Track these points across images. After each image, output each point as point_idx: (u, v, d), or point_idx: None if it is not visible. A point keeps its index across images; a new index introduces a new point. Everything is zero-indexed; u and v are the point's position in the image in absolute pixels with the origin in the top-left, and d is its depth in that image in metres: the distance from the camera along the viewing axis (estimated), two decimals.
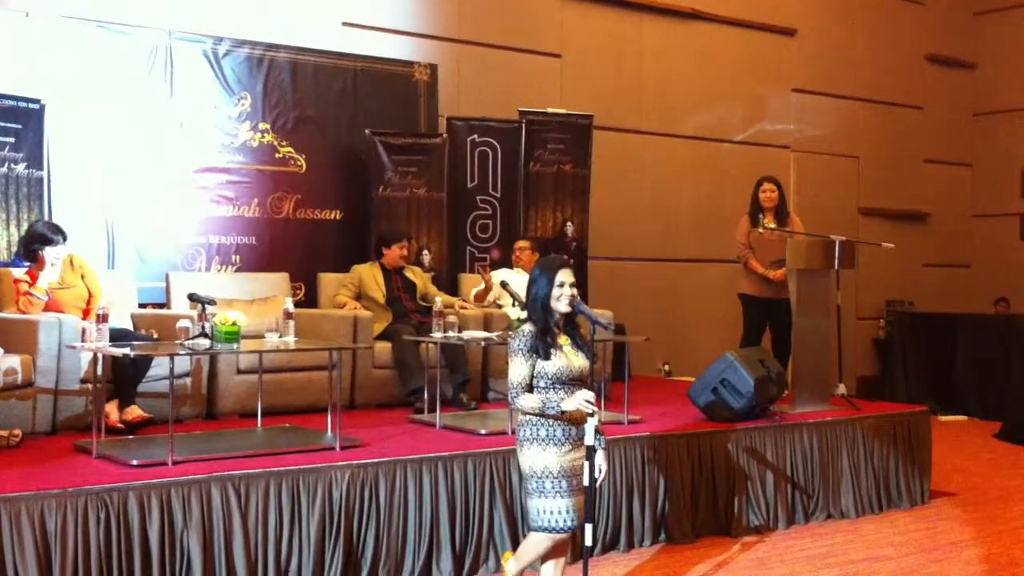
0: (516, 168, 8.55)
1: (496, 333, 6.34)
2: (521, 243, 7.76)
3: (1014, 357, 9.26)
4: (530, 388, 3.83)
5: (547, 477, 3.82)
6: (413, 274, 7.21)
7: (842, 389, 6.81)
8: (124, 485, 4.04)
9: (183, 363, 5.80)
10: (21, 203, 6.50)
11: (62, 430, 5.38)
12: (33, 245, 5.72)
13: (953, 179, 12.74)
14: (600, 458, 3.86)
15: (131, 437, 5.21)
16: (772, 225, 7.32)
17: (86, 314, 5.66)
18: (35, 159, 6.57)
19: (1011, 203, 12.02)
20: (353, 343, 6.50)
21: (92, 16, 6.99)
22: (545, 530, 3.87)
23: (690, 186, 10.38)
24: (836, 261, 6.58)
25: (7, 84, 6.57)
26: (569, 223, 8.76)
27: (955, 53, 12.64)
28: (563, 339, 3.91)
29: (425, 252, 8.02)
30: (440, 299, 6.46)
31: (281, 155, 7.69)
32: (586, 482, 3.79)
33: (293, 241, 7.68)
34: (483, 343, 5.97)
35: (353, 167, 7.98)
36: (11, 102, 6.48)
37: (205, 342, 4.83)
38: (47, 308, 5.64)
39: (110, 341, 4.99)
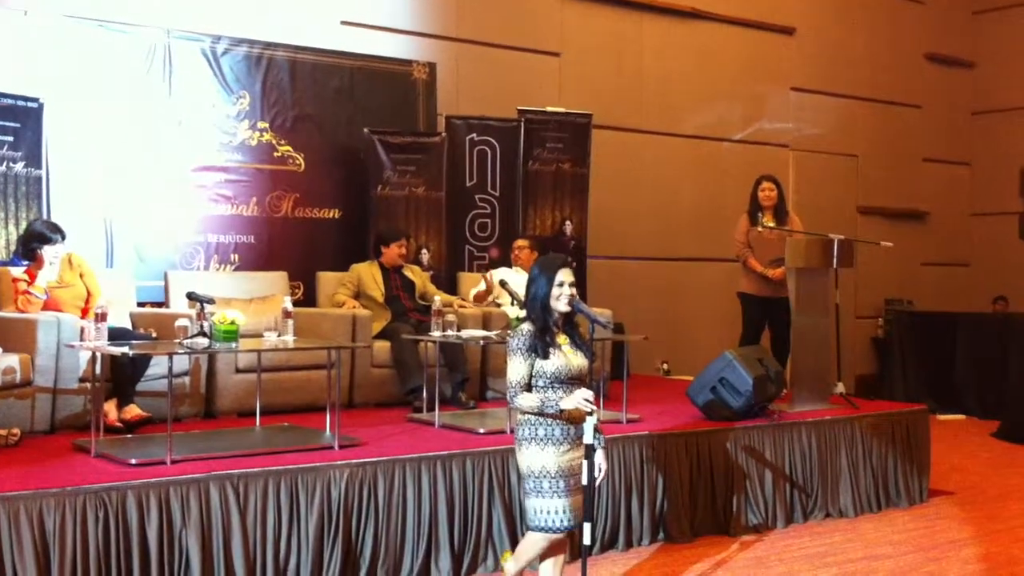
0: (515, 167, 8.54)
1: (495, 332, 6.34)
2: (520, 242, 7.76)
3: (1013, 356, 9.26)
4: (529, 387, 3.82)
5: (544, 477, 3.81)
6: (412, 273, 7.20)
7: (841, 388, 6.80)
8: (123, 484, 4.04)
9: (182, 362, 5.79)
10: (20, 202, 6.50)
11: (60, 429, 5.37)
12: (32, 244, 5.71)
13: (952, 178, 12.74)
14: (600, 457, 3.86)
15: (130, 436, 5.20)
16: (771, 224, 7.33)
17: (85, 313, 5.65)
18: (34, 158, 6.57)
19: (1010, 202, 11.99)
20: (352, 342, 6.50)
21: (91, 15, 6.98)
22: (542, 530, 3.87)
23: (689, 185, 10.38)
24: (835, 260, 6.59)
25: (6, 82, 6.56)
26: (568, 222, 8.75)
27: (954, 52, 12.63)
28: (562, 338, 3.90)
29: (424, 251, 8.01)
30: (439, 298, 6.45)
31: (280, 154, 7.68)
32: (585, 481, 3.78)
33: (292, 240, 7.67)
34: (482, 342, 5.96)
35: (352, 166, 7.97)
36: (10, 100, 6.47)
37: (204, 341, 4.83)
38: (46, 307, 5.63)
39: (109, 340, 4.98)
